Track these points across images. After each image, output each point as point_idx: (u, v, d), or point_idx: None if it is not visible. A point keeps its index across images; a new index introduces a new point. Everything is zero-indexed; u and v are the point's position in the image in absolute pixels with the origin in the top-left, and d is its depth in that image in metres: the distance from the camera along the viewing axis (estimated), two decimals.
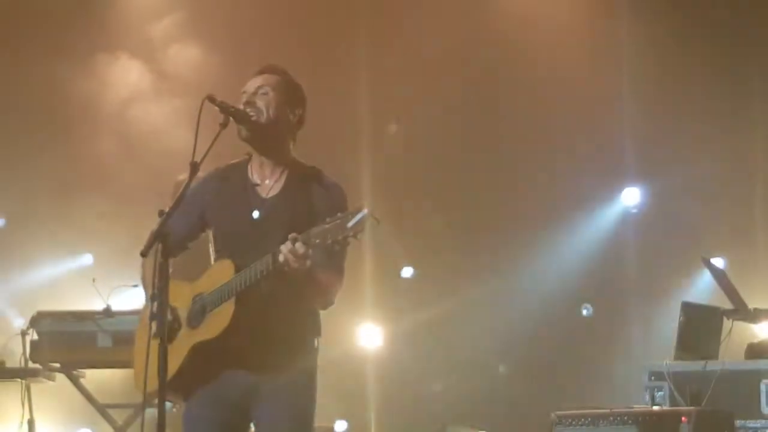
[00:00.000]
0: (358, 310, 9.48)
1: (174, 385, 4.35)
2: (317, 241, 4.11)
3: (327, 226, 4.08)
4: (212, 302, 4.38)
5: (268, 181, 4.51)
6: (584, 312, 9.56)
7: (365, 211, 4.06)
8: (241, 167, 4.56)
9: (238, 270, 4.31)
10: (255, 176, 4.51)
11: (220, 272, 4.38)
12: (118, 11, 9.86)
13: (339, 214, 4.08)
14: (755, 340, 7.13)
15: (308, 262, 4.14)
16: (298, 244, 4.09)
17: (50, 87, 9.49)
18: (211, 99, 4.29)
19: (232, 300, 4.31)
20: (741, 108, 9.14)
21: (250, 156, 4.56)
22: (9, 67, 9.43)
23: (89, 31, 9.72)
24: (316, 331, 4.49)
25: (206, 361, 4.37)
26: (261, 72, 4.55)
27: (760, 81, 9.15)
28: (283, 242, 4.20)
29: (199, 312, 4.44)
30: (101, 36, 9.72)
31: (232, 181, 4.55)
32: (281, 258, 4.13)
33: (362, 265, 9.23)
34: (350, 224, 4.04)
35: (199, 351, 4.36)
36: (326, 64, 9.46)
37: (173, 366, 4.31)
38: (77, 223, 9.59)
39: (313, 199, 4.45)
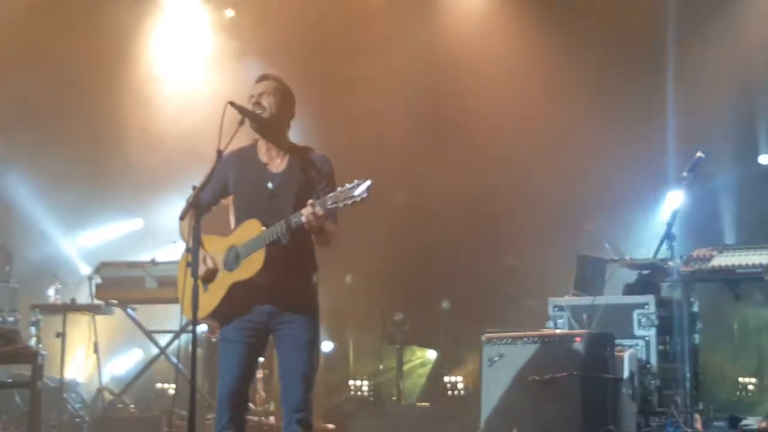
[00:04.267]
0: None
1: (215, 314, 4.99)
2: (331, 204, 4.69)
3: (339, 193, 4.65)
4: (245, 251, 4.89)
5: (275, 161, 5.08)
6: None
7: (369, 182, 4.60)
8: (251, 150, 5.13)
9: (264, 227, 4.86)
10: (264, 157, 5.09)
11: (250, 229, 4.90)
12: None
13: (347, 185, 4.62)
14: (630, 281, 7.86)
15: (324, 221, 4.77)
16: (318, 208, 4.69)
17: None
18: (232, 103, 4.91)
19: (263, 249, 4.84)
20: None
21: (257, 141, 5.14)
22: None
23: None
24: (316, 267, 5.12)
25: (241, 295, 4.92)
26: (261, 80, 5.15)
27: None
28: (293, 207, 4.81)
29: (234, 259, 4.94)
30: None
31: (246, 160, 5.08)
32: (303, 219, 4.70)
33: None
34: (357, 192, 4.60)
35: (235, 288, 4.93)
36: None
37: (215, 300, 4.95)
38: (132, 190, 10.53)
39: (309, 171, 5.02)
